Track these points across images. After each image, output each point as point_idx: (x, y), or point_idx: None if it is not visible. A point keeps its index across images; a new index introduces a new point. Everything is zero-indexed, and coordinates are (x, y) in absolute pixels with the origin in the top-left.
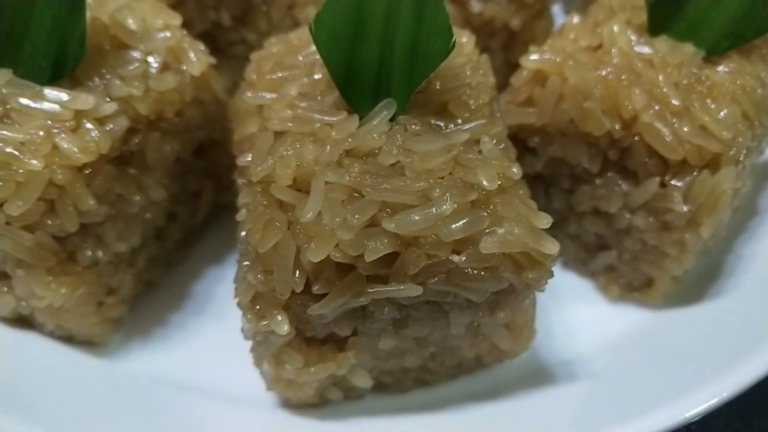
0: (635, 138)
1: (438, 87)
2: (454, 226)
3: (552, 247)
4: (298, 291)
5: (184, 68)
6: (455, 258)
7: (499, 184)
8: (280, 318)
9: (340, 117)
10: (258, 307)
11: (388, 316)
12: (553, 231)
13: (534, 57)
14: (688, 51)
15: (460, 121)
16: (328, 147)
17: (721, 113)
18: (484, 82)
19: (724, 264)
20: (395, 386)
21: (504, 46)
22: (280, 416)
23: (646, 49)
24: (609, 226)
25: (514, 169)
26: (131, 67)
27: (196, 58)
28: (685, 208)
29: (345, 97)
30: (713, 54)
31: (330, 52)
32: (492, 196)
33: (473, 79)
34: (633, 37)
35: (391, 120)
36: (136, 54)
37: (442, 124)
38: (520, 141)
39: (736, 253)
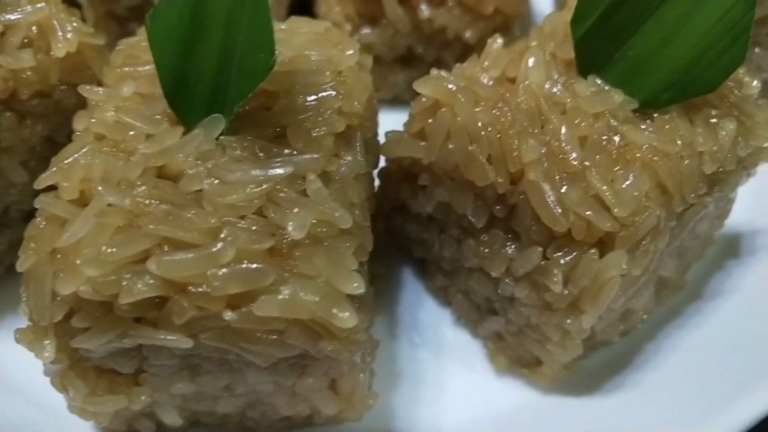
0: (521, 196)
1: (285, 107)
2: (224, 278)
3: (346, 320)
4: (56, 321)
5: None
6: (228, 315)
7: (311, 233)
8: (46, 342)
9: (160, 128)
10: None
11: (165, 362)
12: (447, 281)
13: (428, 83)
14: (614, 99)
15: (295, 151)
16: (121, 162)
17: (626, 183)
18: (345, 109)
19: (639, 352)
20: (218, 428)
21: (459, 60)
22: None
23: (561, 91)
24: (495, 290)
25: (338, 215)
26: None
27: (66, 38)
28: (566, 291)
29: (172, 107)
30: (649, 106)
31: (162, 54)
32: (297, 246)
33: (329, 104)
34: (555, 75)
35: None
36: None
37: (273, 151)
38: (413, 176)
39: (657, 342)
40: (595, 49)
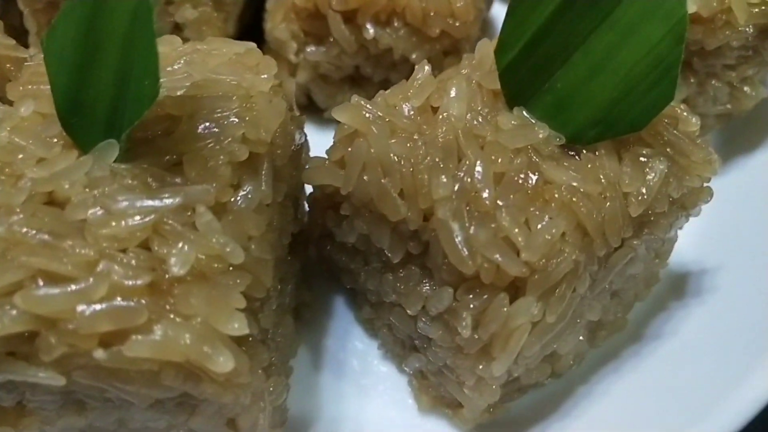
0: (433, 234)
1: (185, 133)
2: (93, 315)
3: (223, 364)
4: None
5: None
6: (97, 354)
7: (197, 269)
8: None
9: (52, 152)
10: None
11: (44, 398)
12: (373, 313)
13: (345, 110)
14: (536, 134)
15: (188, 181)
16: (3, 186)
17: (540, 225)
18: (249, 136)
19: (568, 396)
20: None
21: None
22: None
23: (482, 124)
24: (415, 327)
25: (229, 250)
26: None
27: None
28: (475, 335)
29: (66, 130)
30: (576, 142)
31: (57, 74)
32: (179, 283)
33: (231, 131)
34: (479, 106)
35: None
36: None
37: (166, 180)
38: (336, 204)
39: (589, 386)
40: (521, 80)
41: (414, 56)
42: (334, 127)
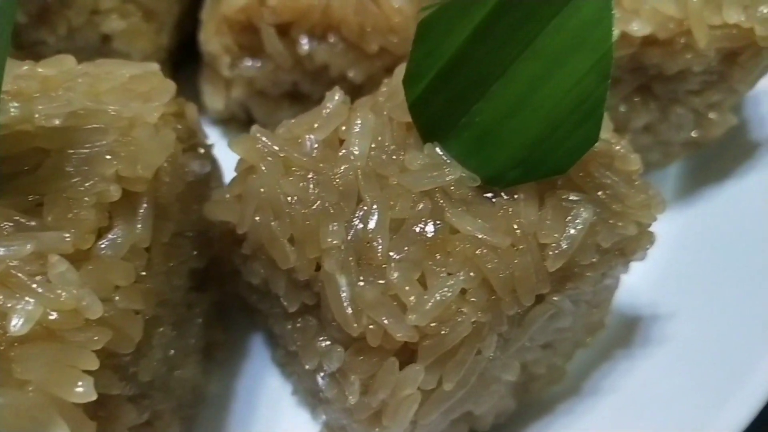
0: (322, 287)
1: (51, 170)
2: None
3: None
4: None
5: None
6: None
7: (45, 326)
8: None
9: None
10: None
11: None
12: (286, 358)
13: (241, 142)
14: (446, 175)
15: (45, 225)
16: None
17: (435, 282)
18: (125, 174)
19: None
20: None
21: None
22: None
23: (387, 163)
24: (316, 381)
25: (85, 304)
26: None
27: None
28: (365, 401)
29: None
30: (495, 184)
31: None
32: (20, 343)
33: (100, 169)
34: (387, 141)
35: None
36: None
37: (22, 223)
38: (238, 242)
39: None
40: (434, 113)
41: (351, 74)
42: None
